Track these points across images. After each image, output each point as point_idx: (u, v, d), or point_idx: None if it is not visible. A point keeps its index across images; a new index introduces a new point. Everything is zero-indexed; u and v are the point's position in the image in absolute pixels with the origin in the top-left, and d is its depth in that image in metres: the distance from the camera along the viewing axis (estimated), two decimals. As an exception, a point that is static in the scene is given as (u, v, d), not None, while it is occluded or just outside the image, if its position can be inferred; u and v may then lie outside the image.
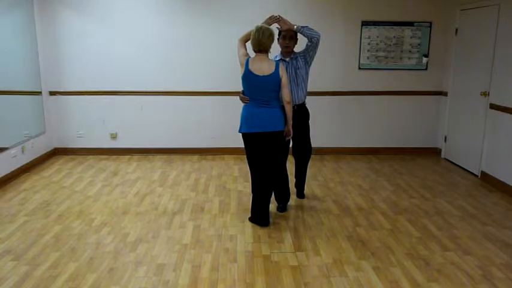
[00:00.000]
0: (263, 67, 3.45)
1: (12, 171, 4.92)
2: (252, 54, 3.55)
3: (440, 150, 6.06)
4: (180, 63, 5.80)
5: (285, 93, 3.50)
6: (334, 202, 4.28)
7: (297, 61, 3.88)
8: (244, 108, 3.60)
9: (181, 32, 5.71)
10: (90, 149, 5.99)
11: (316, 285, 2.82)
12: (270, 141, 3.56)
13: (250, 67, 3.46)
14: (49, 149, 5.86)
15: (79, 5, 5.60)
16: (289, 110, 3.55)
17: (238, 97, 3.66)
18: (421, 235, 3.56)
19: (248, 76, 3.48)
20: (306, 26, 3.79)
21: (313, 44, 3.81)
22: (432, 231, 3.64)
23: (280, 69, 3.46)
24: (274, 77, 3.45)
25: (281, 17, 3.78)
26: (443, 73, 5.92)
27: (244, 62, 3.50)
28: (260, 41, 3.44)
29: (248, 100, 3.55)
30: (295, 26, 3.77)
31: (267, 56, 3.52)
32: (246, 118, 3.57)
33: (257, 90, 3.50)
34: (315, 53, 3.89)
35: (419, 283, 2.84)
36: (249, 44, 3.60)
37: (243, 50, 3.60)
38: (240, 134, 3.64)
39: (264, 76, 3.44)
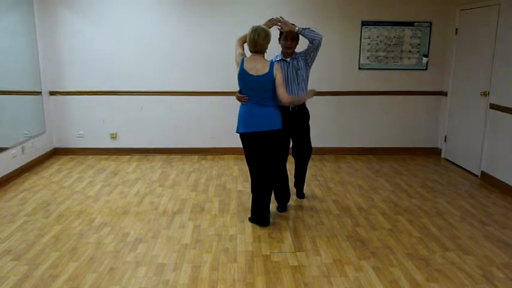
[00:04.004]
0: (257, 67, 3.45)
1: (12, 171, 4.92)
2: (248, 54, 3.56)
3: (440, 150, 6.06)
4: (180, 63, 5.80)
5: (280, 93, 3.47)
6: (334, 202, 4.28)
7: (298, 62, 3.87)
8: (241, 109, 3.61)
9: (181, 32, 5.71)
10: (90, 149, 5.99)
11: (316, 285, 2.82)
12: (267, 140, 3.56)
13: (245, 67, 3.47)
14: (49, 149, 5.86)
15: (79, 5, 5.60)
16: (291, 99, 3.63)
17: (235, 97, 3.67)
18: (421, 235, 3.56)
19: (243, 75, 3.49)
20: (308, 28, 3.76)
21: (314, 45, 3.79)
22: (432, 231, 3.64)
23: (274, 69, 3.45)
24: (268, 77, 3.44)
25: (282, 19, 3.76)
26: (443, 73, 5.92)
27: (240, 61, 3.52)
28: (256, 42, 3.44)
29: (245, 99, 3.55)
30: (296, 28, 3.75)
31: (263, 57, 3.53)
32: (242, 118, 3.58)
33: (252, 90, 3.51)
34: (316, 54, 3.88)
35: (419, 283, 2.84)
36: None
37: (239, 50, 3.61)
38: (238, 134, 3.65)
39: (258, 76, 3.45)
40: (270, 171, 3.66)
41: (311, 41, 3.78)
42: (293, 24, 3.75)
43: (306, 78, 3.93)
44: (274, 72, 3.45)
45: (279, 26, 3.76)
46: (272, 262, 3.10)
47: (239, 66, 3.51)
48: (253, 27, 3.48)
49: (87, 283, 2.82)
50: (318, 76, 5.45)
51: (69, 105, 5.89)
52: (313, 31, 3.76)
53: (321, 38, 3.77)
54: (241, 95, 3.58)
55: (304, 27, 3.76)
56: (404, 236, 3.53)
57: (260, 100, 3.51)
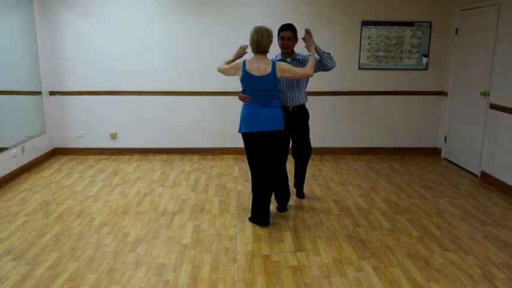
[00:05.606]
0: (260, 67, 3.46)
1: (12, 171, 4.92)
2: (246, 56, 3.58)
3: (440, 150, 6.05)
4: (180, 63, 5.80)
5: (299, 74, 3.56)
6: (334, 202, 4.28)
7: (299, 63, 3.86)
8: (244, 108, 3.61)
9: (181, 32, 5.71)
10: (90, 149, 5.99)
11: (316, 285, 2.82)
12: (270, 140, 3.56)
13: (248, 68, 3.47)
14: (49, 149, 5.86)
15: (79, 5, 5.60)
16: (311, 66, 3.58)
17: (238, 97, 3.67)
18: (421, 235, 3.56)
19: (246, 77, 3.50)
20: (329, 54, 3.82)
21: (324, 69, 3.86)
22: (432, 231, 3.64)
23: (276, 67, 3.46)
24: (271, 77, 3.45)
25: (311, 34, 3.79)
26: (443, 73, 5.92)
27: (241, 64, 3.51)
28: (259, 42, 3.45)
29: (248, 99, 3.55)
30: (317, 49, 3.78)
31: (266, 57, 3.53)
32: (245, 118, 3.58)
33: (255, 90, 3.51)
34: (321, 70, 3.91)
35: (419, 283, 2.84)
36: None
37: (228, 65, 3.64)
38: (240, 134, 3.64)
39: (261, 76, 3.45)
40: (270, 171, 3.66)
41: (324, 65, 3.83)
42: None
43: (306, 79, 3.93)
44: (277, 72, 3.45)
45: (304, 35, 3.78)
46: (272, 262, 3.10)
47: (241, 69, 3.50)
48: (255, 27, 3.48)
49: (87, 283, 2.82)
50: (318, 76, 5.44)
51: (69, 105, 5.89)
52: (331, 58, 3.83)
53: (334, 67, 3.85)
54: (244, 95, 3.58)
55: (327, 51, 3.82)
56: (404, 236, 3.53)
57: (263, 100, 3.51)
